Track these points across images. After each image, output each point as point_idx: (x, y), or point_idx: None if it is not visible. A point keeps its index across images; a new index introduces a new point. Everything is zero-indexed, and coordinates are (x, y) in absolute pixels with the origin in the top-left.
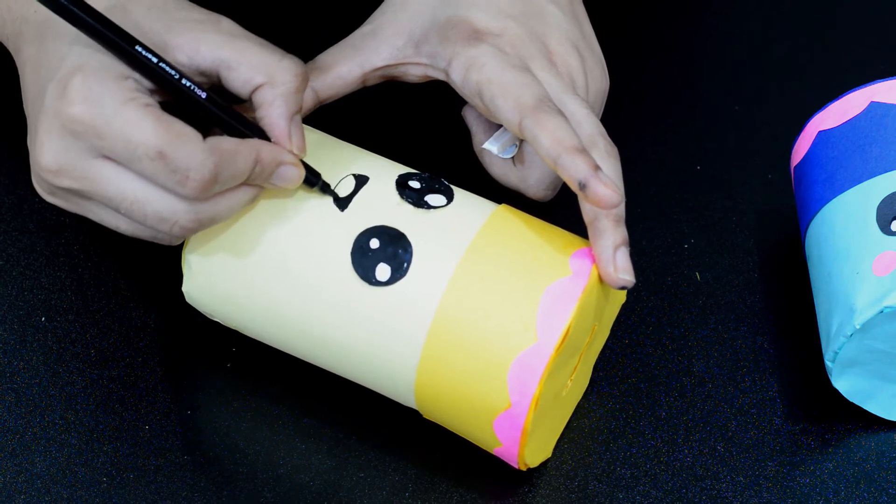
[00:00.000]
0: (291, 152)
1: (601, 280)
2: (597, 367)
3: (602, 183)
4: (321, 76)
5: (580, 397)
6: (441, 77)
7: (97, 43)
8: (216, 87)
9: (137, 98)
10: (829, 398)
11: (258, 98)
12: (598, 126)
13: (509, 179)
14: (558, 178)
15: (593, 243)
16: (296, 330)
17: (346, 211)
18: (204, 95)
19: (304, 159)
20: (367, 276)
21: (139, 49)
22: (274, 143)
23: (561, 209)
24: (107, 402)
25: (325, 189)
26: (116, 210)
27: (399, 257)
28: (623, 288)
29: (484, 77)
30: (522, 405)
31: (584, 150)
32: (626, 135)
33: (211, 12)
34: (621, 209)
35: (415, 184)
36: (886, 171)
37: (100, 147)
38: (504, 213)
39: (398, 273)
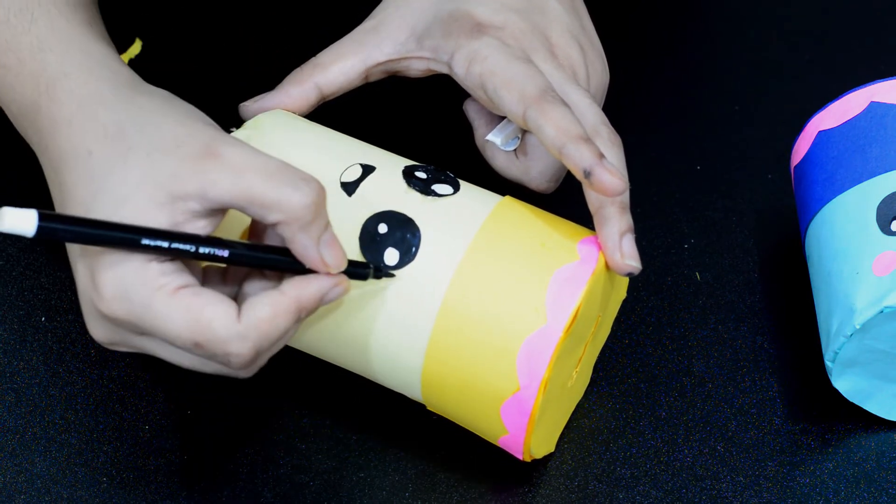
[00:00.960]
0: (329, 273)
1: (607, 267)
2: (597, 367)
3: (607, 170)
4: (324, 72)
5: (581, 396)
6: (444, 70)
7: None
8: None
9: (165, 285)
10: (829, 398)
11: (279, 232)
12: (601, 115)
13: (512, 172)
14: (561, 169)
15: (599, 231)
16: None
17: (353, 196)
18: (227, 254)
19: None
20: (376, 261)
21: (147, 242)
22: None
23: (563, 205)
24: (107, 402)
25: (378, 274)
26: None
27: (407, 242)
28: (630, 274)
29: (487, 69)
30: (531, 388)
31: (588, 139)
32: (626, 135)
33: (211, 133)
34: (626, 197)
35: (421, 174)
36: (886, 171)
37: (142, 332)
38: (510, 203)
39: (407, 257)
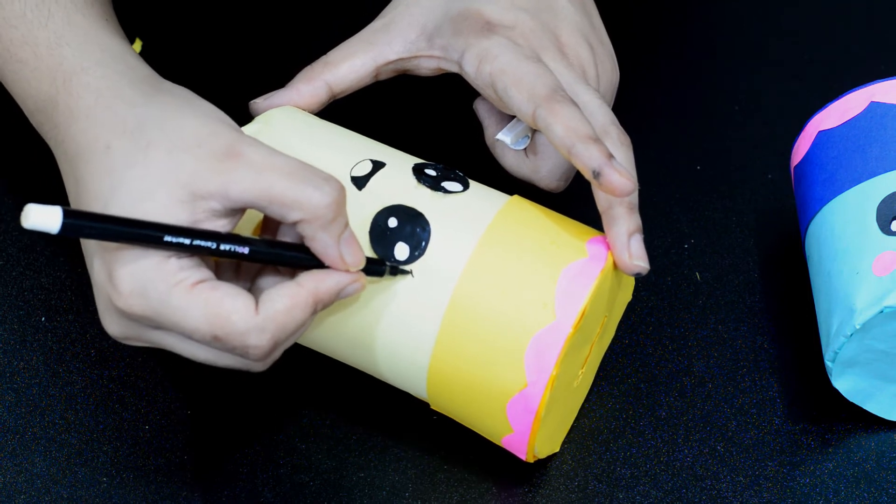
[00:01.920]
0: (348, 270)
1: (615, 267)
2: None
3: (616, 171)
4: (334, 70)
5: (583, 399)
6: (454, 69)
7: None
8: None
9: (182, 280)
10: (829, 398)
11: (299, 230)
12: (611, 115)
13: (521, 170)
14: (570, 168)
15: (608, 231)
16: None
17: (363, 190)
18: (247, 251)
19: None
20: (386, 255)
21: (169, 239)
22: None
23: (571, 205)
24: (107, 402)
25: (395, 271)
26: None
27: (417, 236)
28: (637, 274)
29: (497, 68)
30: (539, 384)
31: (597, 139)
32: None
33: (233, 134)
34: (635, 197)
35: (431, 171)
36: (886, 171)
37: (159, 326)
38: (519, 201)
39: (417, 252)
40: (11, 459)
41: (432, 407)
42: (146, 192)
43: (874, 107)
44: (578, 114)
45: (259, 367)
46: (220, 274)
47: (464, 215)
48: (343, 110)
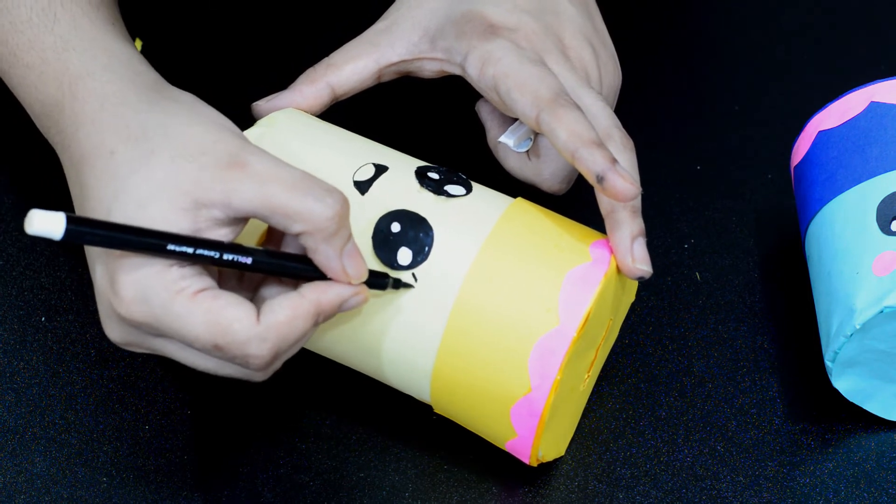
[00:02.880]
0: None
1: (619, 271)
2: None
3: (620, 175)
4: (337, 72)
5: (586, 401)
6: (457, 72)
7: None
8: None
9: (185, 288)
10: (829, 398)
11: (302, 242)
12: (614, 119)
13: (524, 173)
14: (573, 171)
15: (611, 234)
16: None
17: (365, 195)
18: (249, 261)
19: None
20: (389, 260)
21: (172, 248)
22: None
23: (574, 208)
24: (107, 402)
25: (397, 285)
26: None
27: (420, 241)
28: (640, 278)
29: (500, 71)
30: (543, 389)
31: (601, 144)
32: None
33: (237, 142)
34: (638, 200)
35: (434, 175)
36: (886, 171)
37: (160, 334)
38: (523, 204)
39: (420, 257)
40: (11, 459)
41: (436, 411)
42: (148, 199)
43: (874, 107)
44: (582, 118)
45: (259, 376)
46: (222, 283)
47: (467, 219)
48: (345, 112)
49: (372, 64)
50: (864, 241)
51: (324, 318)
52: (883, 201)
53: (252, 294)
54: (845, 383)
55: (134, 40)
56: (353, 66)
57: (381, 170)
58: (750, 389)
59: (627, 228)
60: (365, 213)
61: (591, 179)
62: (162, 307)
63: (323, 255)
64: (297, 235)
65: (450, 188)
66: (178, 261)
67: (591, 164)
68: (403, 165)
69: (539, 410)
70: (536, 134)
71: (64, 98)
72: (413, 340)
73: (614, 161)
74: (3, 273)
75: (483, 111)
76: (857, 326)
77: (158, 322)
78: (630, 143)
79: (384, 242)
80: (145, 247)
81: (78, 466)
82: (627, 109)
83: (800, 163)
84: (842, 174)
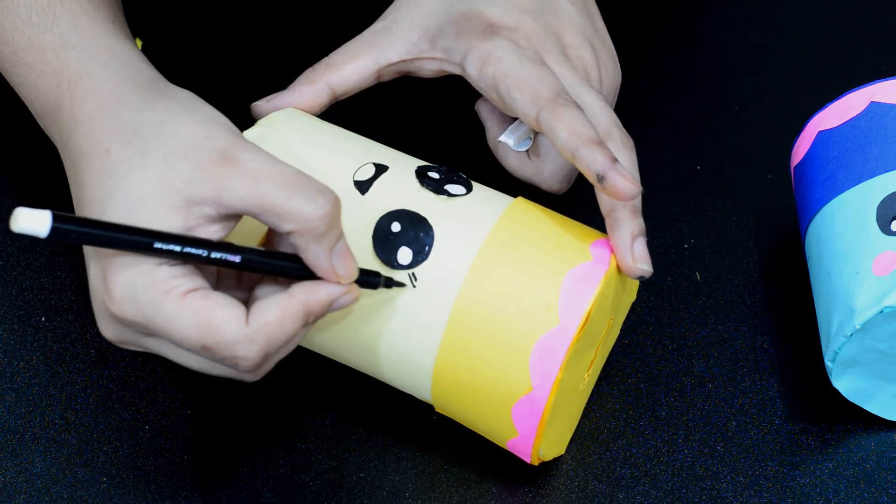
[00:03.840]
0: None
1: (619, 270)
2: None
3: (620, 175)
4: (336, 72)
5: (586, 400)
6: (456, 71)
7: (117, 250)
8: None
9: (174, 288)
10: (829, 398)
11: (292, 241)
12: (614, 117)
13: (524, 172)
14: (573, 170)
15: (611, 234)
16: None
17: (366, 195)
18: (238, 259)
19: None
20: (389, 260)
21: (159, 246)
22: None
23: (574, 207)
24: (107, 402)
25: (389, 283)
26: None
27: (420, 240)
28: (641, 277)
29: (500, 70)
30: (544, 388)
31: (601, 143)
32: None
33: (231, 139)
34: (638, 200)
35: (434, 174)
36: (886, 171)
37: (151, 333)
38: (523, 203)
39: (420, 256)
40: (11, 459)
41: (437, 410)
42: (141, 198)
43: (874, 107)
44: (582, 117)
45: (250, 377)
46: (221, 282)
47: (467, 219)
48: (345, 112)
49: (371, 64)
50: (864, 241)
51: (314, 318)
52: (883, 201)
53: (250, 294)
54: (845, 383)
55: (134, 39)
56: (353, 66)
57: (381, 169)
58: (750, 389)
59: (628, 228)
60: (365, 213)
61: (592, 179)
62: (151, 306)
63: (312, 255)
64: (287, 234)
65: (450, 188)
66: (168, 259)
67: (591, 164)
68: (403, 165)
69: (540, 409)
70: (536, 133)
71: (63, 97)
72: (414, 339)
73: (615, 160)
74: (3, 273)
75: (483, 110)
76: (857, 326)
77: (148, 321)
78: (630, 142)
79: (384, 242)
80: (132, 245)
81: (78, 466)
82: (627, 109)
83: (800, 163)
84: (842, 174)
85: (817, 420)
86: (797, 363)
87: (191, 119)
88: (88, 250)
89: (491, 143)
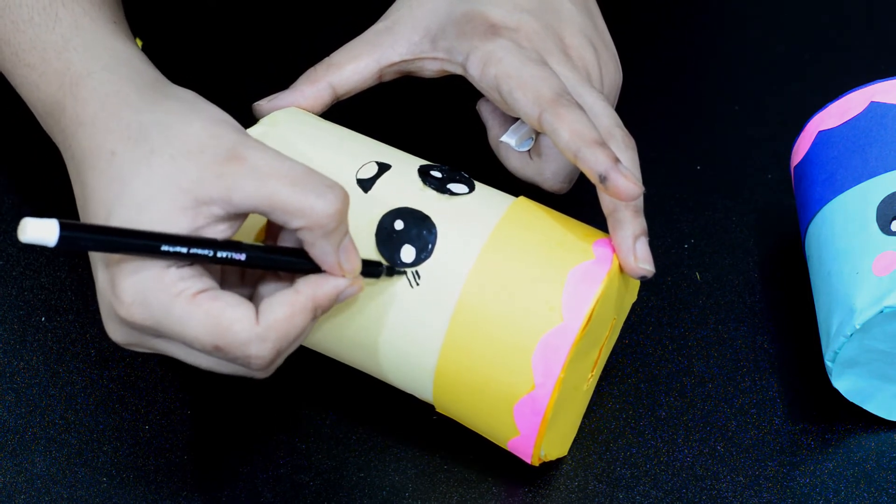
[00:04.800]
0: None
1: (621, 270)
2: None
3: (622, 175)
4: (338, 72)
5: (588, 401)
6: (458, 71)
7: (124, 254)
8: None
9: (184, 290)
10: (829, 398)
11: (300, 236)
12: (615, 117)
13: (526, 172)
14: (574, 170)
15: (613, 234)
16: None
17: (369, 193)
18: (244, 258)
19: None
20: (392, 258)
21: (166, 248)
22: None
23: (576, 207)
24: (107, 402)
25: (391, 272)
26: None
27: (424, 239)
28: (643, 277)
29: (502, 71)
30: (546, 387)
31: (603, 143)
32: None
33: (237, 137)
34: (640, 200)
35: (436, 173)
36: (886, 171)
37: (161, 335)
38: (525, 203)
39: (423, 254)
40: (11, 459)
41: (438, 410)
42: (149, 200)
43: (874, 107)
44: (584, 117)
45: (261, 375)
46: (225, 280)
47: (470, 218)
48: (347, 112)
49: (373, 64)
50: (864, 241)
51: (321, 311)
52: (883, 201)
53: (254, 289)
54: (845, 383)
55: (134, 39)
56: (354, 66)
57: (383, 168)
58: (750, 389)
59: (630, 228)
60: (368, 211)
61: (594, 179)
62: (162, 310)
63: (320, 251)
64: (295, 230)
65: (452, 186)
66: (176, 261)
67: (593, 164)
68: (406, 164)
69: (542, 408)
70: (538, 133)
71: (65, 98)
72: (416, 338)
73: (617, 160)
74: (3, 273)
75: (484, 110)
76: (857, 326)
77: (159, 324)
78: (632, 142)
79: (387, 240)
80: (140, 249)
81: (78, 466)
82: (628, 109)
83: (800, 163)
84: (842, 174)
85: (817, 420)
86: (797, 363)
87: (196, 119)
88: (95, 254)
89: (492, 143)
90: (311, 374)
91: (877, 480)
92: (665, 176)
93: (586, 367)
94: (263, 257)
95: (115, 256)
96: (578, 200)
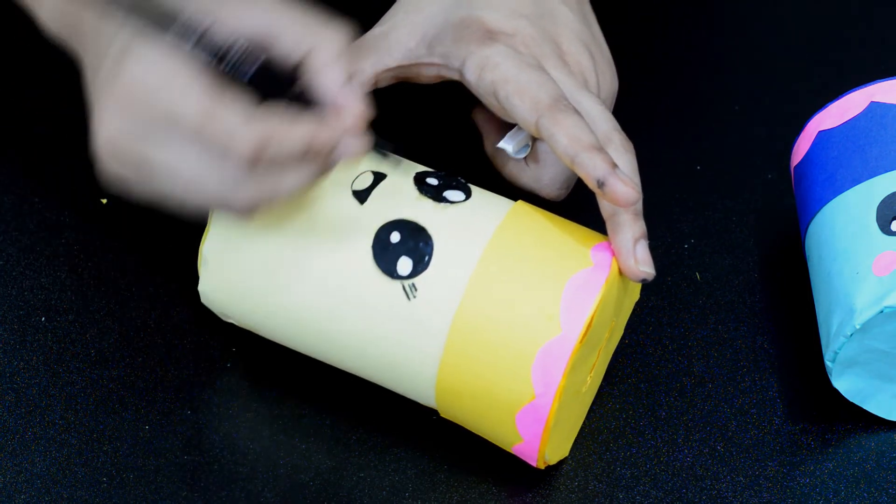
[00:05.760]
0: (352, 122)
1: (621, 273)
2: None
3: (620, 180)
4: None
5: (592, 400)
6: (455, 77)
7: (141, 21)
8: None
9: (191, 68)
10: (829, 398)
11: (308, 66)
12: (613, 122)
13: (522, 179)
14: (571, 176)
15: (612, 237)
16: (316, 326)
17: (365, 204)
18: (252, 71)
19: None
20: (389, 270)
21: (182, 20)
22: (333, 112)
23: (574, 210)
24: (107, 402)
25: (379, 150)
26: (177, 194)
27: (420, 250)
28: (643, 281)
29: (499, 76)
30: (547, 397)
31: (601, 148)
32: (627, 135)
33: None
34: (639, 203)
35: (433, 180)
36: (886, 171)
37: (150, 115)
38: (523, 208)
39: (420, 266)
40: (11, 459)
41: (442, 415)
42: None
43: (874, 107)
44: (581, 123)
45: (240, 206)
46: None
47: (466, 227)
48: None
49: (368, 69)
50: (864, 241)
51: (313, 155)
52: (883, 201)
53: None
54: (845, 383)
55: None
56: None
57: (379, 178)
58: (750, 389)
59: (629, 231)
60: (364, 223)
61: (592, 185)
62: (165, 79)
63: (326, 77)
64: (302, 59)
65: (449, 194)
66: (189, 47)
67: (591, 170)
68: (402, 172)
69: (544, 417)
70: (534, 140)
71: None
72: (416, 350)
73: (614, 166)
74: (3, 273)
75: (479, 118)
76: (857, 326)
77: (156, 96)
78: (630, 146)
79: (384, 252)
80: (158, 13)
81: (78, 466)
82: (627, 109)
83: (800, 163)
84: (842, 174)
85: (817, 420)
86: (797, 363)
87: None
88: (103, 54)
89: (488, 151)
90: (311, 375)
91: (877, 480)
92: (665, 176)
93: (586, 370)
94: (269, 85)
95: (127, 42)
96: (576, 205)
